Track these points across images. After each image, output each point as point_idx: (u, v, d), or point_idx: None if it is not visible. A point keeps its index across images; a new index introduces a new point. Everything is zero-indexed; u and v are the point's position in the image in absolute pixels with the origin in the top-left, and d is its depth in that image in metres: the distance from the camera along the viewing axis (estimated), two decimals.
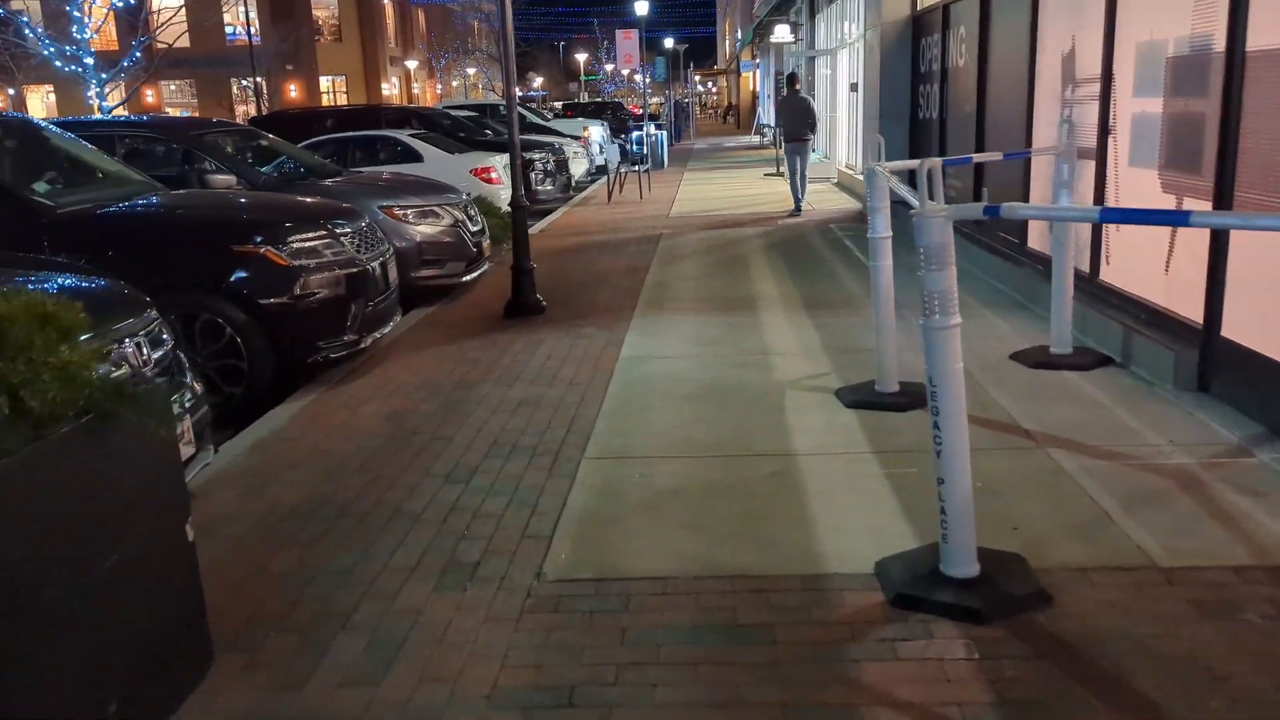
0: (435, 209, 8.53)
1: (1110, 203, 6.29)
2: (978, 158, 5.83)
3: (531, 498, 4.14)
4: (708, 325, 7.24)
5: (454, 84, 74.54)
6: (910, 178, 4.24)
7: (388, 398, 5.73)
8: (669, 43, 45.97)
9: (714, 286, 8.75)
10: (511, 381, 5.98)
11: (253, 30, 60.53)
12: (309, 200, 6.87)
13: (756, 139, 35.47)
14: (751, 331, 6.98)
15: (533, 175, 16.13)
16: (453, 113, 20.78)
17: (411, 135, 14.14)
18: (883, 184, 5.17)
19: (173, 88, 60.86)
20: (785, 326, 7.09)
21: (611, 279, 9.39)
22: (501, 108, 25.83)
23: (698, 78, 78.97)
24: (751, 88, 46.91)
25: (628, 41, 23.18)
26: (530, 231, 13.97)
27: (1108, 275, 6.32)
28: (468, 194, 9.48)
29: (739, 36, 54.12)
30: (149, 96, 60.93)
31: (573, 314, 7.89)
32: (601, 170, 20.58)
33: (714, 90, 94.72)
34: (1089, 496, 3.92)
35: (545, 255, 11.09)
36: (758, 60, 43.15)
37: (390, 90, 65.46)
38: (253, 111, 55.69)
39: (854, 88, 16.27)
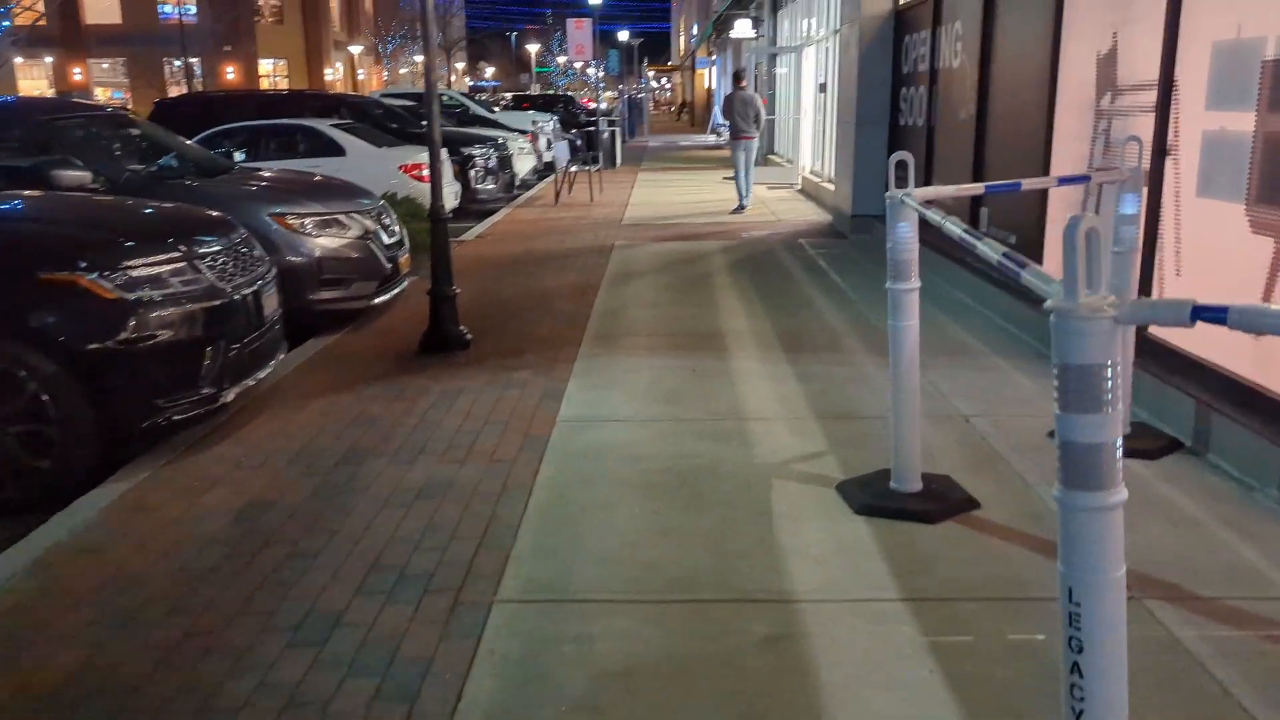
0: (340, 217, 7.10)
1: (1169, 242, 5.09)
2: (1028, 184, 4.58)
3: (409, 683, 2.79)
4: (668, 372, 5.93)
5: (402, 71, 72.45)
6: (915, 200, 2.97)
7: (246, 478, 4.33)
8: (623, 36, 44.58)
9: (674, 316, 7.45)
10: (414, 455, 4.61)
11: (188, 7, 58.18)
12: (166, 209, 5.43)
13: (713, 138, 34.25)
14: (721, 383, 5.68)
15: (472, 173, 14.74)
16: (388, 102, 19.24)
17: (334, 126, 12.65)
18: (910, 222, 3.88)
19: (105, 66, 58.18)
20: (762, 377, 5.80)
21: (555, 302, 8.04)
22: (446, 96, 24.33)
23: (651, 73, 77.68)
24: (707, 85, 45.75)
25: (580, 31, 21.79)
26: (466, 238, 12.70)
27: (1171, 332, 5.12)
28: (383, 200, 8.05)
29: (695, 33, 52.94)
30: (76, 75, 58.34)
31: (504, 350, 6.53)
32: (550, 168, 19.19)
33: (668, 86, 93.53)
34: (1236, 702, 2.67)
35: (479, 269, 9.70)
36: (714, 57, 41.95)
37: (333, 76, 63.30)
38: (186, 92, 53.31)
39: (822, 88, 15.08)
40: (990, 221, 7.85)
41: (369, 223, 7.31)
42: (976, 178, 8.09)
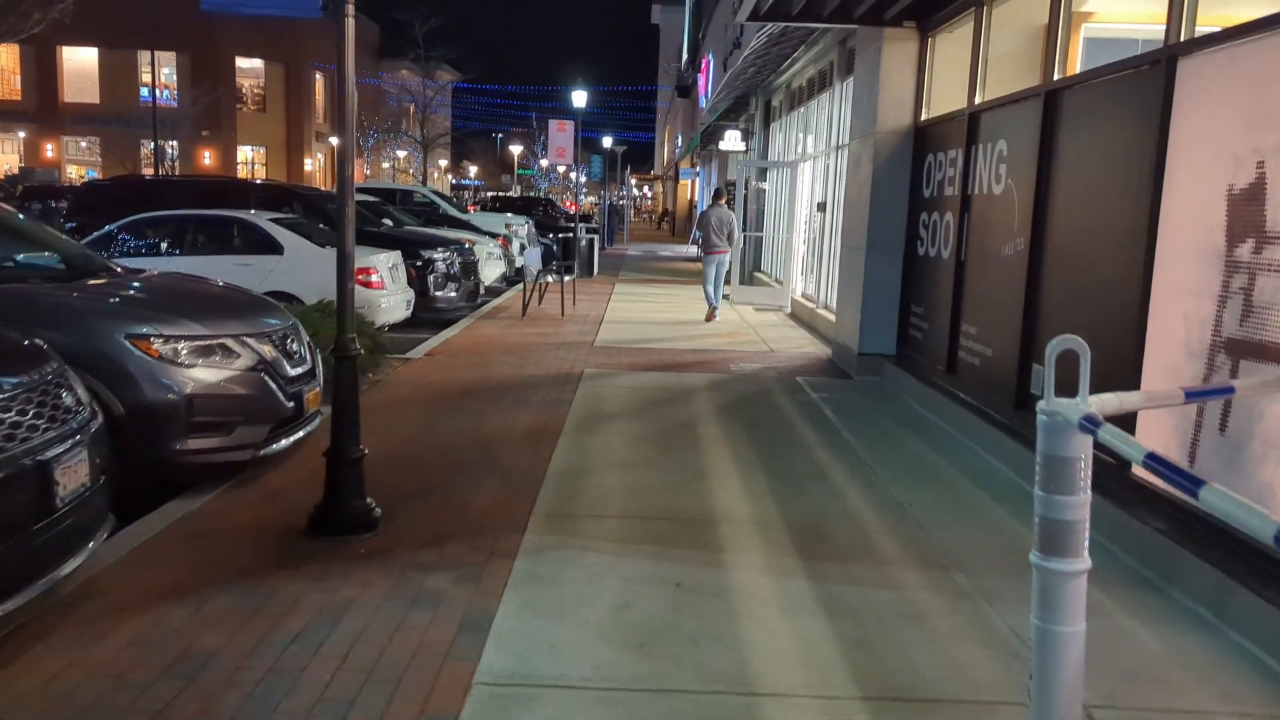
0: (227, 341, 5.48)
1: None
2: (1243, 387, 3.05)
3: None
4: (643, 587, 4.28)
5: (384, 166, 72.02)
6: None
7: None
8: (607, 142, 44.10)
9: (652, 485, 5.83)
10: None
11: (169, 92, 57.56)
12: None
13: (694, 249, 33.13)
14: (718, 614, 4.04)
15: (431, 278, 13.24)
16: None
17: (273, 220, 11.15)
18: (1080, 454, 2.30)
19: (84, 145, 57.18)
20: (774, 605, 4.16)
21: (502, 455, 6.41)
22: (417, 194, 23.07)
23: (634, 181, 77.78)
24: (689, 196, 45.18)
25: (561, 134, 20.75)
26: (413, 354, 10.91)
27: None
28: (294, 320, 6.45)
29: (679, 143, 52.76)
30: (48, 151, 57.30)
31: (422, 534, 4.87)
32: (522, 275, 17.70)
33: (649, 195, 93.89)
34: None
35: (418, 400, 8.08)
36: (698, 168, 41.39)
37: (312, 167, 62.67)
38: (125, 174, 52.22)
39: (821, 208, 13.83)
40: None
41: (266, 349, 5.69)
42: (1028, 325, 6.63)
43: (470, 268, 14.15)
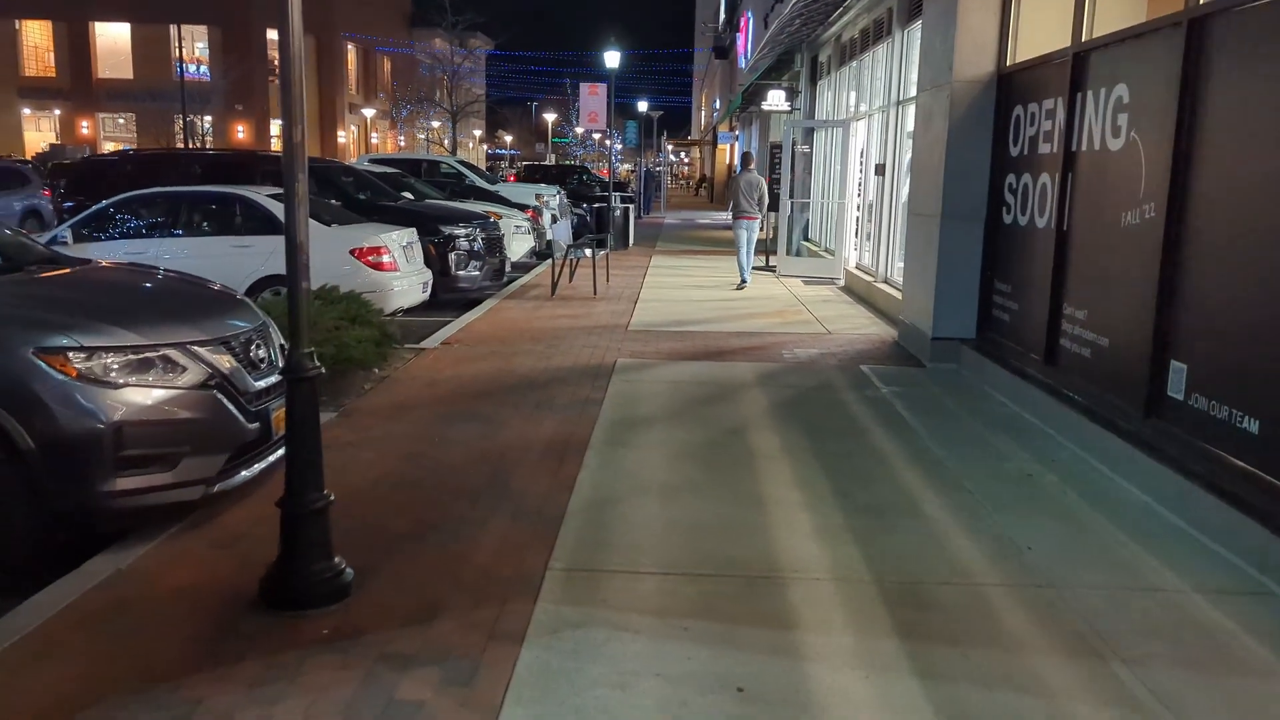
0: (170, 352, 4.39)
1: None
2: None
3: None
4: (695, 694, 3.15)
5: (420, 137, 71.06)
6: None
7: None
8: (642, 106, 42.62)
9: (699, 523, 4.68)
10: None
11: (202, 67, 56.98)
12: None
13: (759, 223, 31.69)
14: None
15: (452, 256, 12.14)
16: (366, 167, 16.82)
17: (275, 196, 10.07)
18: None
19: (120, 120, 56.73)
20: None
21: (516, 478, 5.29)
22: (444, 165, 21.96)
23: (670, 147, 76.14)
24: (728, 161, 43.64)
25: (594, 97, 19.49)
26: (428, 344, 9.36)
27: None
28: (264, 320, 5.33)
29: (716, 107, 51.10)
30: (84, 128, 56.99)
31: (404, 609, 3.76)
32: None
33: (686, 161, 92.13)
34: None
35: (426, 401, 6.98)
36: (737, 132, 39.87)
37: (346, 139, 61.88)
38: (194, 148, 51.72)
39: (879, 170, 12.50)
40: (1191, 383, 5.09)
41: (223, 359, 4.60)
42: (1164, 312, 5.36)
43: (495, 243, 13.01)
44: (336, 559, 3.81)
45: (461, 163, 22.16)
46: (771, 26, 17.06)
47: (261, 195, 10.00)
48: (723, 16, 45.22)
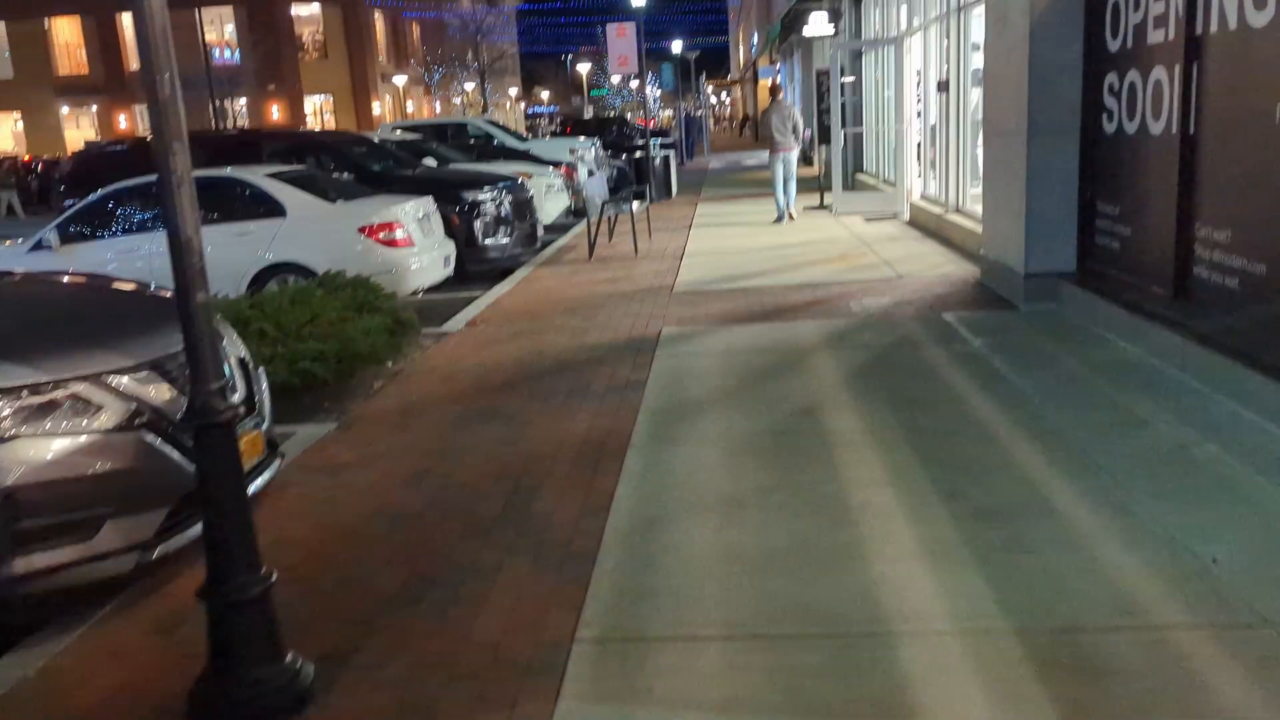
0: (79, 388, 3.44)
1: None
2: None
3: None
4: None
5: (455, 101, 69.99)
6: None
7: None
8: (677, 48, 40.98)
9: (771, 555, 3.63)
10: None
11: (231, 50, 56.53)
12: None
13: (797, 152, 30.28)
14: None
15: (477, 225, 11.14)
16: (385, 137, 15.88)
17: (274, 176, 9.13)
18: None
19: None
20: None
21: (539, 500, 4.30)
22: (471, 126, 20.91)
23: (710, 88, 74.09)
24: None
25: (622, 40, 18.22)
26: (449, 327, 8.33)
27: None
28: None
29: (755, 42, 49.14)
30: (121, 121, 56.98)
31: None
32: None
33: (728, 102, 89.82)
34: None
35: (443, 398, 6.01)
36: (778, 65, 38.14)
37: (380, 110, 61.05)
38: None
39: (943, 87, 11.17)
40: None
41: (152, 390, 3.64)
42: None
43: (525, 206, 11.97)
44: (289, 656, 2.85)
45: (490, 122, 21.08)
46: None
47: (259, 175, 9.06)
48: None
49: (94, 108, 56.80)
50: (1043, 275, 7.27)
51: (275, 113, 54.99)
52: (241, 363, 4.23)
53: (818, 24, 18.25)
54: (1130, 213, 6.39)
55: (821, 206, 15.13)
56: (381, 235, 8.79)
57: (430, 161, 13.72)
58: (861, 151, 17.74)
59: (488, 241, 11.23)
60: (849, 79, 16.17)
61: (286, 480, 4.70)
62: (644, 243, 12.64)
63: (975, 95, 10.76)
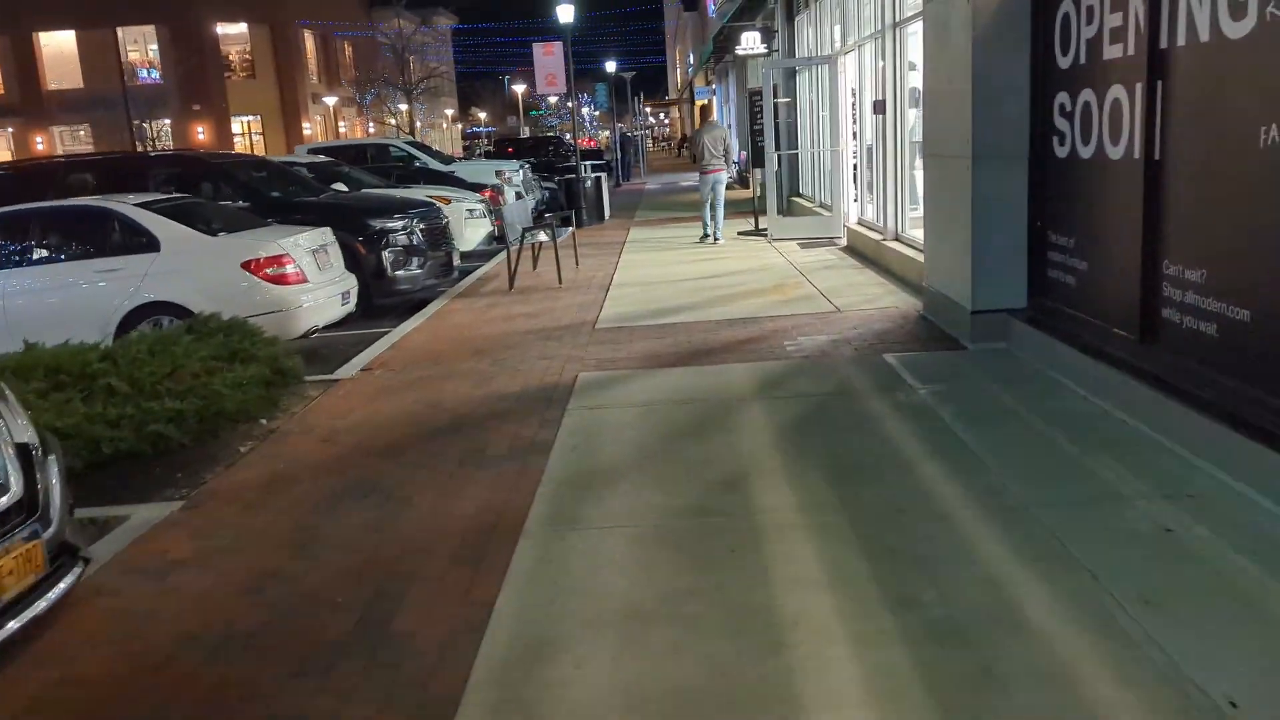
0: None
1: None
2: None
3: None
4: None
5: (391, 122, 68.74)
6: None
7: None
8: (611, 67, 40.43)
9: (684, 689, 2.88)
10: None
11: (154, 69, 54.85)
12: None
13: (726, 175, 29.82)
14: None
15: (386, 255, 10.31)
16: (298, 159, 15.00)
17: (146, 205, 8.21)
18: None
19: (80, 133, 54.46)
20: None
21: (400, 619, 3.49)
22: (394, 147, 20.00)
23: (648, 109, 73.78)
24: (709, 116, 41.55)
25: (549, 58, 17.50)
26: (342, 373, 7.39)
27: None
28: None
29: (690, 63, 48.82)
30: (38, 144, 54.86)
31: None
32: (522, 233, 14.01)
33: (666, 122, 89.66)
34: None
35: (317, 466, 5.17)
36: (713, 85, 37.80)
37: (311, 130, 59.59)
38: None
39: (879, 108, 10.61)
40: None
41: None
42: None
43: (440, 234, 11.16)
44: None
45: (413, 144, 20.22)
46: None
47: (129, 205, 8.13)
48: None
49: (10, 129, 54.61)
50: (991, 312, 6.66)
51: (201, 134, 53.42)
52: (22, 450, 3.37)
53: (750, 42, 17.74)
54: (1087, 246, 5.79)
55: (757, 231, 14.53)
56: (269, 271, 7.92)
57: (341, 186, 12.84)
58: (797, 174, 17.22)
59: (398, 273, 10.39)
60: (784, 99, 15.64)
61: (100, 586, 3.84)
62: (570, 271, 11.88)
63: (913, 116, 10.22)
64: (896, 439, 5.00)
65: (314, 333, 8.26)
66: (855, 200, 12.89)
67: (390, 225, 10.44)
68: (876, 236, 10.83)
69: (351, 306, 8.86)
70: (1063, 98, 5.97)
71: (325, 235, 8.79)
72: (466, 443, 5.45)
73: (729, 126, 31.79)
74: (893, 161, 10.33)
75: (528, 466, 4.97)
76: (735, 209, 19.06)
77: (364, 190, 12.89)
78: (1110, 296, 5.48)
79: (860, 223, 12.24)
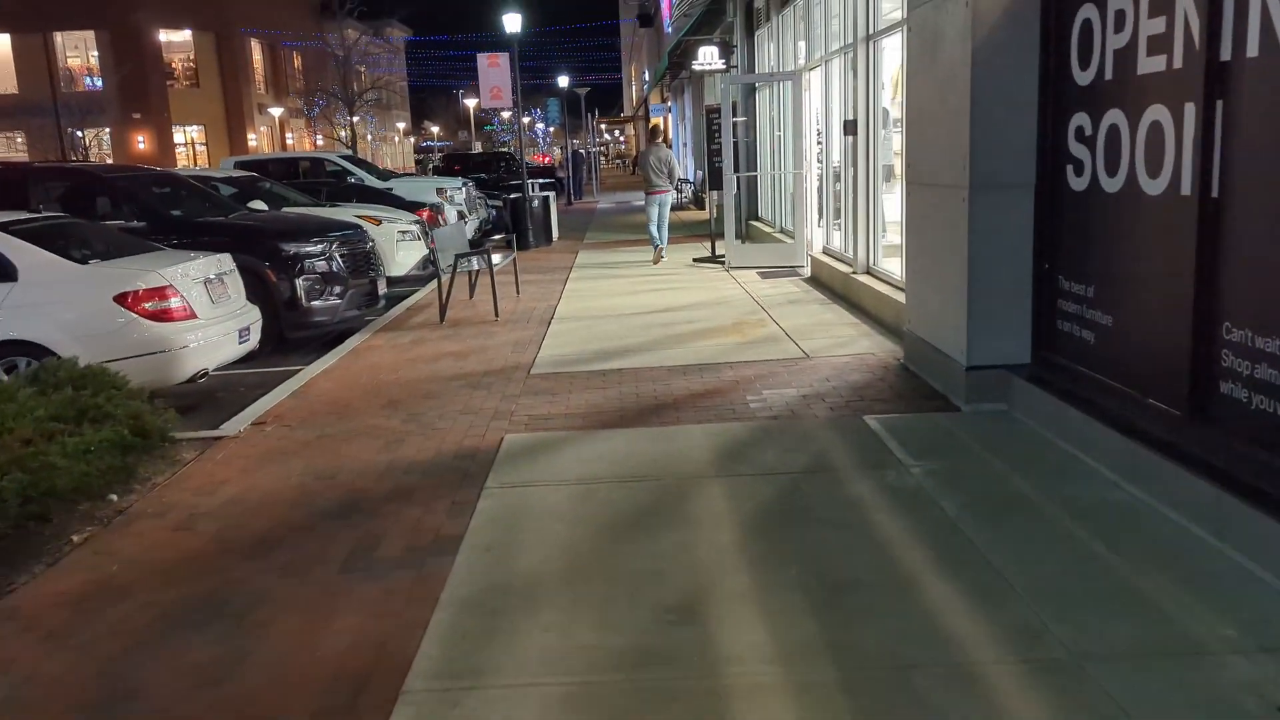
0: None
1: None
2: None
3: None
4: None
5: (344, 134, 67.13)
6: None
7: None
8: (563, 82, 39.45)
9: None
10: None
11: (94, 76, 52.99)
12: None
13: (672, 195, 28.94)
14: None
15: (300, 284, 9.18)
16: (220, 173, 13.82)
17: (3, 227, 7.00)
18: None
19: (19, 139, 52.19)
20: None
21: None
22: (329, 162, 18.76)
23: (602, 126, 72.95)
24: (663, 134, 40.79)
25: (494, 70, 16.42)
26: (224, 428, 6.08)
27: None
28: None
29: (646, 80, 48.02)
30: None
31: None
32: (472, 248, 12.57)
33: (622, 139, 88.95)
34: None
35: (162, 568, 4.02)
36: (669, 103, 36.95)
37: (257, 140, 57.89)
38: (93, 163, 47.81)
39: (850, 128, 9.68)
40: None
41: None
42: None
43: (364, 259, 10.02)
44: None
45: (349, 158, 19.01)
46: None
47: None
48: None
49: None
50: (989, 368, 5.70)
51: (141, 143, 51.63)
52: None
53: (708, 58, 16.84)
54: (1112, 297, 4.84)
55: (714, 258, 13.56)
56: (147, 305, 6.75)
57: (260, 205, 11.65)
58: (756, 197, 16.31)
59: (314, 303, 9.24)
60: (742, 119, 14.73)
61: None
62: (510, 301, 10.81)
63: (887, 138, 9.31)
64: (892, 542, 3.98)
65: (203, 376, 7.10)
66: (820, 227, 11.96)
67: (306, 249, 9.30)
68: (845, 269, 9.89)
69: (252, 344, 7.71)
70: (1081, 119, 5.04)
71: (222, 262, 7.63)
72: (356, 535, 4.35)
73: (684, 145, 30.94)
74: (864, 187, 9.41)
75: (425, 575, 3.88)
76: (689, 232, 18.15)
77: (283, 210, 11.70)
78: (1145, 360, 4.53)
79: (826, 251, 11.30)
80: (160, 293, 6.82)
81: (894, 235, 9.14)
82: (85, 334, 6.61)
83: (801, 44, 12.65)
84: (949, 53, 5.77)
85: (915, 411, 5.83)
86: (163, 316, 6.80)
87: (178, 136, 54.83)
